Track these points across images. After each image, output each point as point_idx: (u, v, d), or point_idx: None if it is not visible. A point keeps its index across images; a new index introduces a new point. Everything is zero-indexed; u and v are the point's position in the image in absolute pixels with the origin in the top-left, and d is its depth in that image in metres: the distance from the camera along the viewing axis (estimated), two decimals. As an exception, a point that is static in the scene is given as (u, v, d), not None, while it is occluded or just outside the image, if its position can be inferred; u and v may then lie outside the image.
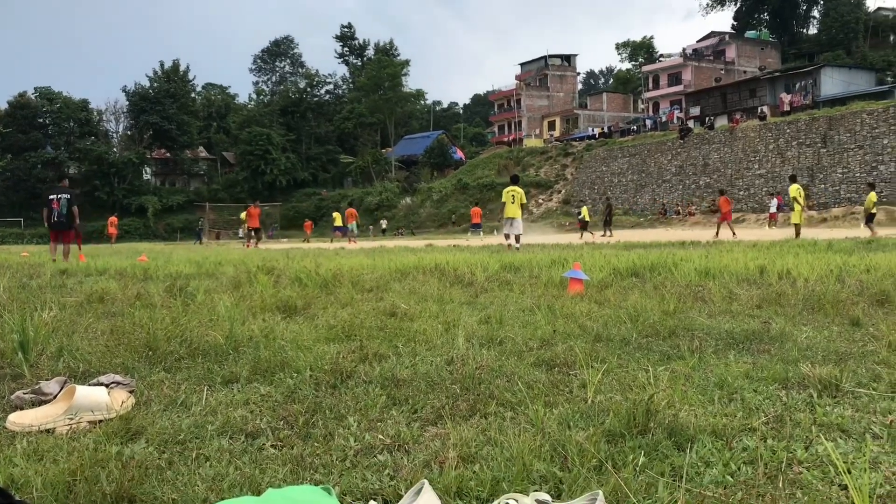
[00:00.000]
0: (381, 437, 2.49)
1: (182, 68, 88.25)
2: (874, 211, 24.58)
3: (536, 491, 1.91)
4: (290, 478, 2.15)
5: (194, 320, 4.78)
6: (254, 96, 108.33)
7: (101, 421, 2.71)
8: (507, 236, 18.96)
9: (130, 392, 3.09)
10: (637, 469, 2.11)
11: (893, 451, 2.27)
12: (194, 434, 2.58)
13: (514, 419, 2.68)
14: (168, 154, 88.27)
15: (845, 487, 1.91)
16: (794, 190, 22.86)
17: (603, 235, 30.17)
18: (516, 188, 19.23)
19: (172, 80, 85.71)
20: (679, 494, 1.91)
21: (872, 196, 24.46)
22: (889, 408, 2.71)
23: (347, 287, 7.12)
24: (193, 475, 2.17)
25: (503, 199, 19.20)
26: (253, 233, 34.22)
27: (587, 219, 35.17)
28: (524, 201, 19.21)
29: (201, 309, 5.50)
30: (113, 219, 42.55)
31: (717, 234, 26.02)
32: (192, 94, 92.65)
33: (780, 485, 1.99)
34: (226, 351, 3.95)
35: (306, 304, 5.95)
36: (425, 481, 1.84)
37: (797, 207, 22.81)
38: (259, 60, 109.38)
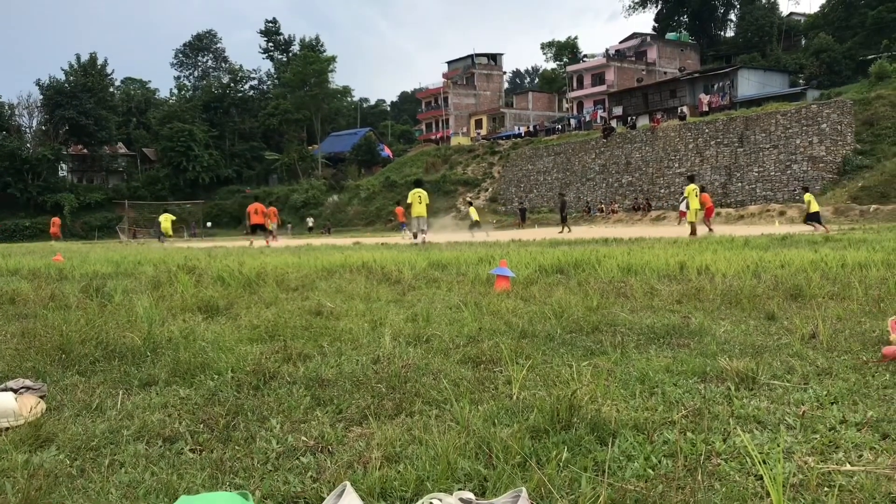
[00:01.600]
0: (304, 438, 2.45)
1: (100, 62, 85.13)
2: (817, 209, 24.33)
3: (460, 490, 1.90)
4: (208, 483, 2.09)
5: (111, 321, 4.63)
6: (175, 91, 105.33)
7: (7, 428, 2.60)
8: (415, 235, 21.04)
9: (41, 397, 2.97)
10: (560, 465, 2.13)
11: (806, 441, 2.34)
12: (109, 439, 2.49)
13: (440, 417, 2.67)
14: (85, 150, 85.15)
15: (761, 478, 1.96)
16: (689, 190, 23.52)
17: (560, 232, 30.44)
18: (422, 191, 21.63)
19: (89, 73, 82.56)
20: (601, 489, 1.93)
21: (807, 196, 24.48)
22: (801, 398, 2.80)
23: (272, 286, 7.00)
24: (106, 482, 2.09)
25: (410, 201, 21.40)
26: (260, 230, 34.20)
27: (475, 218, 37.07)
28: (428, 202, 21.58)
29: (119, 310, 5.34)
30: (56, 219, 42.41)
31: (709, 229, 26.39)
32: (111, 89, 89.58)
33: (699, 477, 2.03)
34: (144, 353, 3.83)
35: (229, 303, 5.84)
36: (347, 483, 1.81)
37: (692, 206, 23.29)
38: (181, 55, 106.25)
